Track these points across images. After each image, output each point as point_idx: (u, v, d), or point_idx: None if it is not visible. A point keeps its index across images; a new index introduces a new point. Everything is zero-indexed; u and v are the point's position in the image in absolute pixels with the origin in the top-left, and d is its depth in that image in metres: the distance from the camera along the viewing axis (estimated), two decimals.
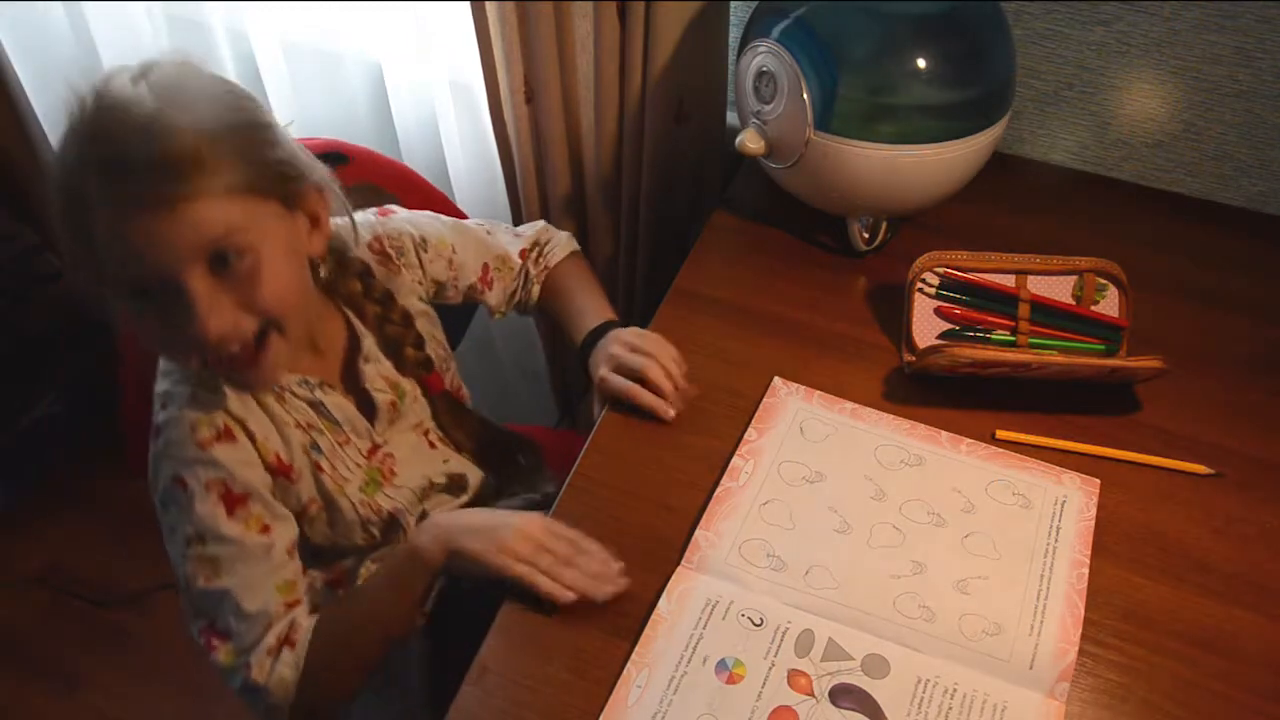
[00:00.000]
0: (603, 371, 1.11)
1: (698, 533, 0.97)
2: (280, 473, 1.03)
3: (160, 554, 1.04)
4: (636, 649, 0.89)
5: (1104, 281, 1.13)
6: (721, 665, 0.88)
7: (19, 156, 1.90)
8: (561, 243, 1.29)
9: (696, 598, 0.92)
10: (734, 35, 1.36)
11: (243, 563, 0.98)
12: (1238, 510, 1.00)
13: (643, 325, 1.16)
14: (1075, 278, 1.14)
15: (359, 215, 1.13)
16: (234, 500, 0.98)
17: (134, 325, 0.93)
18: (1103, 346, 1.12)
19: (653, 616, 0.91)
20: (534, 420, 1.75)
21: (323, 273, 1.07)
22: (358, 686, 1.13)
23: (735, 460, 1.03)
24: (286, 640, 1.00)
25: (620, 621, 0.91)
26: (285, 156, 0.92)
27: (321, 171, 0.98)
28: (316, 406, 1.06)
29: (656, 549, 0.96)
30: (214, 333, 0.87)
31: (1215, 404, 1.09)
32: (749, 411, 1.07)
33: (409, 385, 1.15)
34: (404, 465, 1.15)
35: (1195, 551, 0.97)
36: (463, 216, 1.35)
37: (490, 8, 1.30)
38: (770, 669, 0.88)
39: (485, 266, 1.23)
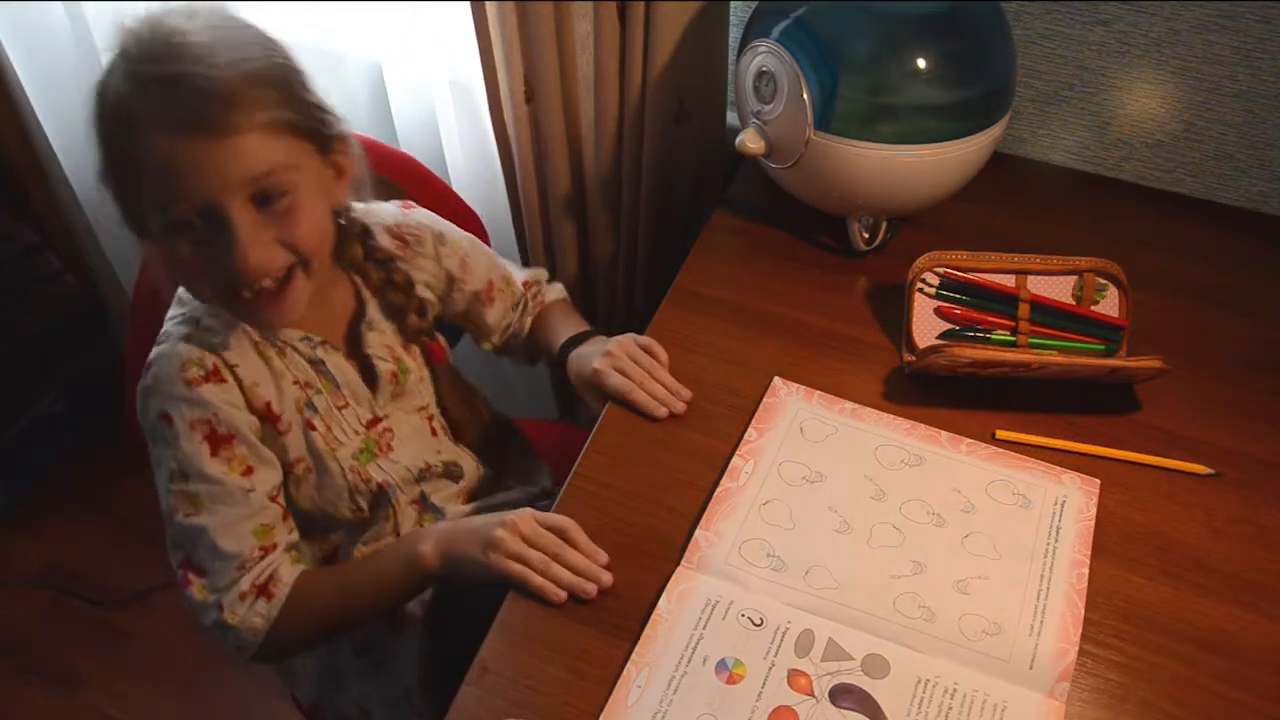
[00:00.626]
0: (599, 364, 1.12)
1: (698, 533, 0.97)
2: (269, 420, 1.04)
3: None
4: (636, 649, 0.89)
5: (1104, 281, 1.13)
6: (721, 665, 0.88)
7: (19, 157, 1.91)
8: (557, 289, 1.34)
9: (696, 598, 0.92)
10: (734, 35, 1.37)
11: (222, 503, 1.00)
12: (1237, 510, 1.00)
13: (643, 325, 1.17)
14: (1075, 278, 1.14)
15: (383, 205, 1.17)
16: (218, 440, 1.00)
17: (165, 260, 0.96)
18: (1103, 346, 1.12)
19: (653, 616, 0.91)
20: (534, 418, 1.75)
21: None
22: (320, 645, 1.17)
23: (735, 460, 1.03)
24: (264, 591, 1.02)
25: (620, 621, 0.91)
26: (318, 102, 0.97)
27: (346, 123, 1.02)
28: (317, 365, 1.08)
29: (657, 549, 0.96)
30: (253, 263, 0.91)
31: (1215, 404, 1.09)
32: (749, 411, 1.07)
33: (413, 363, 1.16)
34: (402, 444, 1.16)
35: (1195, 551, 0.97)
36: (466, 206, 1.38)
37: (490, 8, 1.30)
38: (770, 669, 0.88)
39: (490, 283, 1.25)
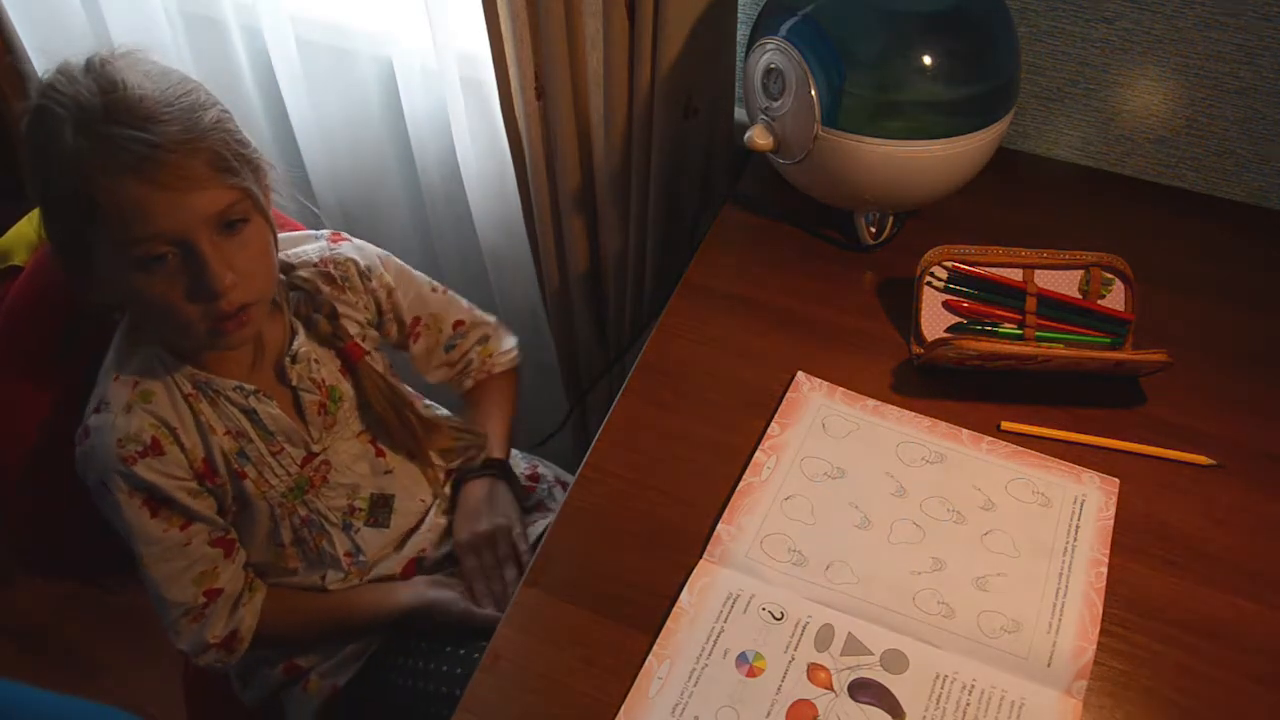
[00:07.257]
0: (463, 537, 1.24)
1: (720, 526, 0.98)
2: (206, 476, 1.09)
3: None
4: (658, 641, 0.90)
5: (1109, 276, 1.14)
6: (742, 658, 0.89)
7: None
8: (506, 358, 1.37)
9: (718, 591, 0.93)
10: (742, 32, 1.38)
11: (163, 560, 1.08)
12: (1239, 500, 1.01)
13: (652, 320, 1.18)
14: (1081, 272, 1.15)
15: (310, 243, 1.21)
16: (156, 504, 1.06)
17: (138, 295, 0.98)
18: (1108, 340, 1.13)
19: (675, 609, 0.92)
20: (543, 415, 1.76)
21: None
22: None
23: (758, 455, 1.03)
24: (227, 645, 1.12)
25: (631, 611, 0.93)
26: (245, 137, 1.03)
27: (264, 157, 1.07)
28: (249, 414, 1.10)
29: (668, 539, 0.98)
30: (228, 283, 0.97)
31: (1217, 396, 1.10)
32: (758, 403, 1.09)
33: (347, 386, 1.18)
34: (339, 473, 1.19)
35: (1197, 541, 0.98)
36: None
37: (501, 4, 1.31)
38: (790, 663, 0.89)
39: (417, 319, 1.27)
